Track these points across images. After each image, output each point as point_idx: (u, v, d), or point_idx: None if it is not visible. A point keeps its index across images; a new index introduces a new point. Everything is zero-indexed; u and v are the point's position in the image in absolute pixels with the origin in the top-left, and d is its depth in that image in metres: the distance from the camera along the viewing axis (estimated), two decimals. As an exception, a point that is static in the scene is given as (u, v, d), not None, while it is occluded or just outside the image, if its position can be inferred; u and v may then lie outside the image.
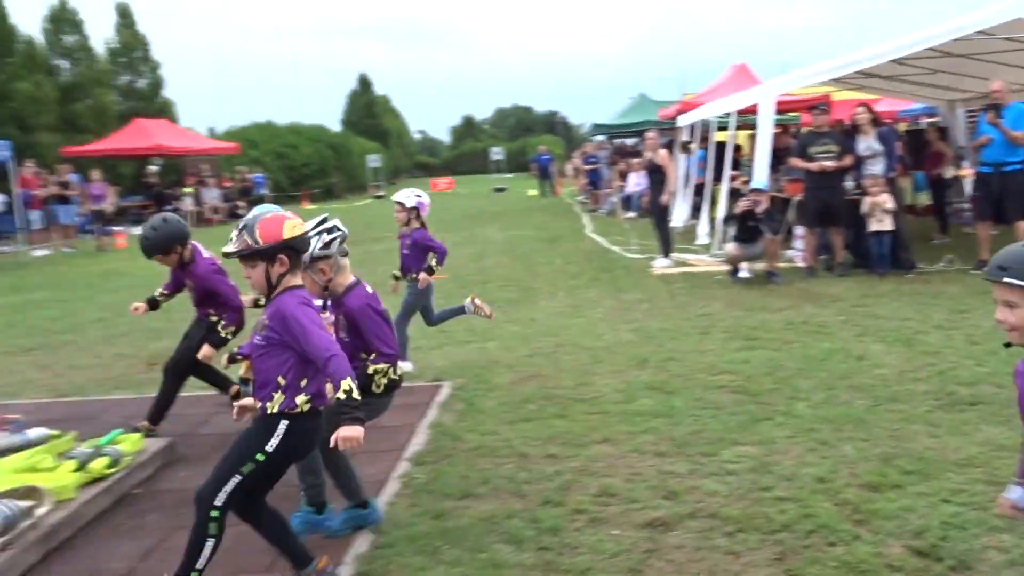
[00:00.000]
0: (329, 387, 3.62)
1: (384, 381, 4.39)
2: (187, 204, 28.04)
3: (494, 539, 4.09)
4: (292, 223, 3.57)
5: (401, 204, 7.46)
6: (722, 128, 16.00)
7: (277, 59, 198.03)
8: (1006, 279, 2.61)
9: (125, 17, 37.58)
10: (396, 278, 7.68)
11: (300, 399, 3.49)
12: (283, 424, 3.48)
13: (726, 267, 11.30)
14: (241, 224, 3.58)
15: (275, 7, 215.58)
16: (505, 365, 7.41)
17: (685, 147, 18.58)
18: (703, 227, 15.17)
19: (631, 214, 20.49)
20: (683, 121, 18.21)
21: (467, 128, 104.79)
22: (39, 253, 21.13)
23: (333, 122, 65.39)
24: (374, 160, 45.60)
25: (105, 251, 21.00)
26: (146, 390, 7.06)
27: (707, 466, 4.83)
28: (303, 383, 3.49)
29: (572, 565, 3.76)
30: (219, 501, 3.47)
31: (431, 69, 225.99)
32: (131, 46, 37.40)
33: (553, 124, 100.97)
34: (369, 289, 4.44)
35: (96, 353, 9.08)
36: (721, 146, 15.36)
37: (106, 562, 4.16)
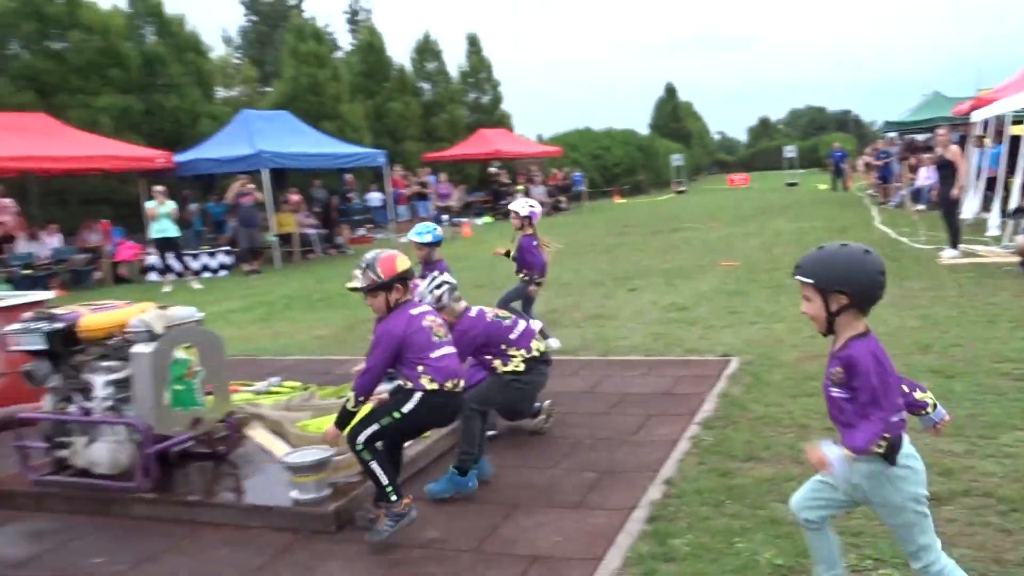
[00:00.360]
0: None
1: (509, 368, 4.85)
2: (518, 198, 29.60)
3: (773, 498, 4.10)
4: (402, 259, 4.12)
5: (516, 213, 7.64)
6: (1018, 122, 14.52)
7: (595, 73, 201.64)
8: (797, 276, 2.76)
9: (474, 45, 40.06)
10: (507, 254, 7.82)
11: (424, 380, 3.93)
12: (417, 395, 3.92)
13: (1016, 258, 10.28)
14: (364, 264, 4.07)
15: (592, 30, 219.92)
16: (791, 344, 7.25)
17: (980, 141, 16.95)
18: (994, 219, 13.84)
19: (920, 206, 18.94)
20: (977, 117, 16.62)
21: (763, 128, 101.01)
22: (404, 239, 23.21)
23: (641, 126, 65.70)
24: (677, 159, 45.48)
25: (452, 240, 22.65)
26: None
27: (984, 448, 4.52)
28: (419, 368, 3.96)
29: (845, 527, 3.72)
30: (360, 439, 3.93)
31: (730, 75, 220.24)
32: (477, 69, 39.80)
33: (845, 122, 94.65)
34: (472, 312, 4.96)
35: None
36: (1016, 139, 13.97)
37: None
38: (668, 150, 51.25)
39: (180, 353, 4.79)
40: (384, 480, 3.92)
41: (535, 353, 4.96)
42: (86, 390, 4.84)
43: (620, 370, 6.90)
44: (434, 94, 37.10)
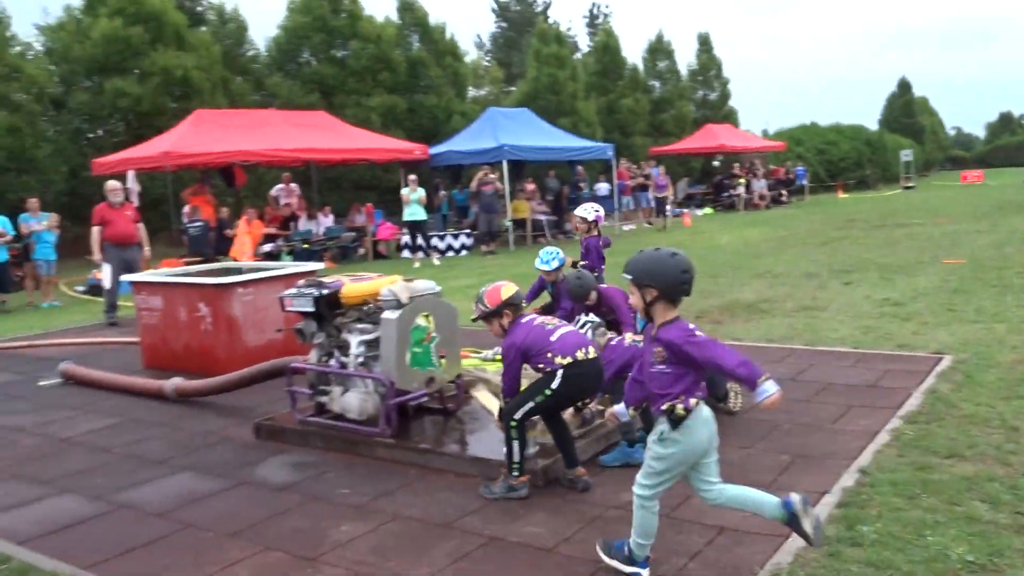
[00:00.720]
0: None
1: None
2: (740, 191, 28.59)
3: (972, 496, 3.79)
4: (507, 288, 4.29)
5: (583, 218, 7.57)
6: None
7: (825, 68, 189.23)
8: (623, 274, 3.20)
9: (704, 44, 39.01)
10: (574, 264, 7.40)
11: (557, 360, 4.07)
12: (559, 372, 4.05)
13: None
14: (477, 297, 4.33)
15: (824, 25, 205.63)
16: (1010, 346, 6.56)
17: None
18: None
19: None
20: None
21: (1003, 123, 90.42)
22: (627, 228, 23.23)
23: (871, 122, 61.16)
24: (906, 155, 41.80)
25: (668, 229, 22.33)
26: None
27: None
28: (548, 355, 4.08)
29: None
30: (517, 415, 4.09)
31: (969, 69, 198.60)
32: (707, 67, 38.74)
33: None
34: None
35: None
36: None
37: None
38: (898, 145, 47.37)
39: (420, 320, 5.11)
40: (516, 457, 4.15)
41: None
42: (344, 347, 5.30)
43: (826, 360, 6.57)
44: (664, 91, 36.59)
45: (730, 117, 38.40)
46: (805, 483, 4.09)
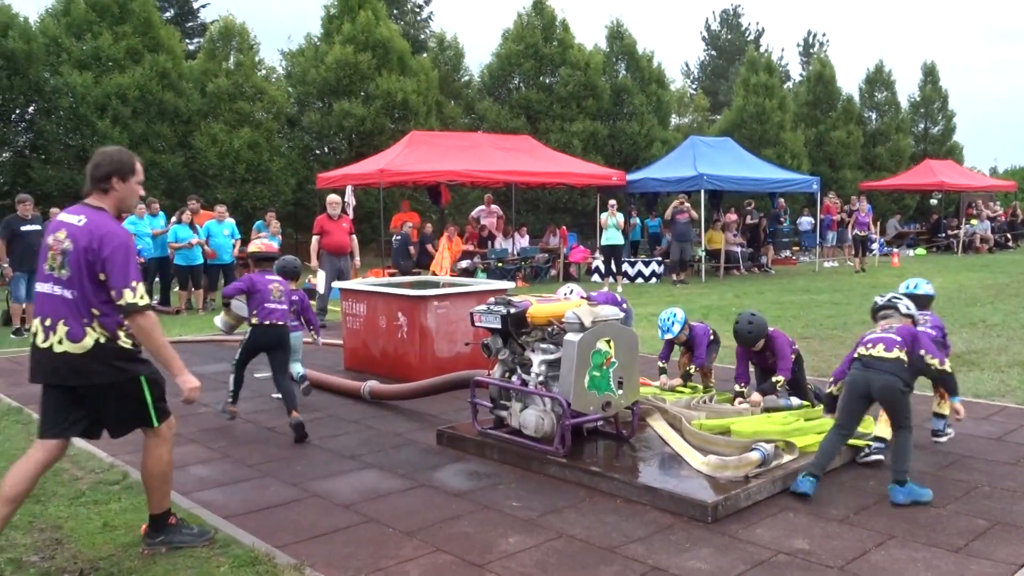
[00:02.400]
0: None
1: None
2: (962, 232, 26.33)
3: None
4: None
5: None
6: None
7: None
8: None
9: (929, 75, 36.41)
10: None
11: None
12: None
13: None
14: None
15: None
16: None
17: None
18: None
19: None
20: None
21: None
22: (828, 264, 22.07)
23: None
24: None
25: (868, 270, 20.96)
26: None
27: None
28: None
29: None
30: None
31: None
32: (931, 99, 36.11)
33: None
34: None
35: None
36: None
37: (826, 507, 4.42)
38: None
39: (601, 345, 5.17)
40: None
41: None
42: (526, 365, 5.45)
43: (1041, 423, 5.96)
44: (880, 123, 34.49)
45: (953, 152, 35.55)
46: (1003, 552, 3.75)
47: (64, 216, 3.81)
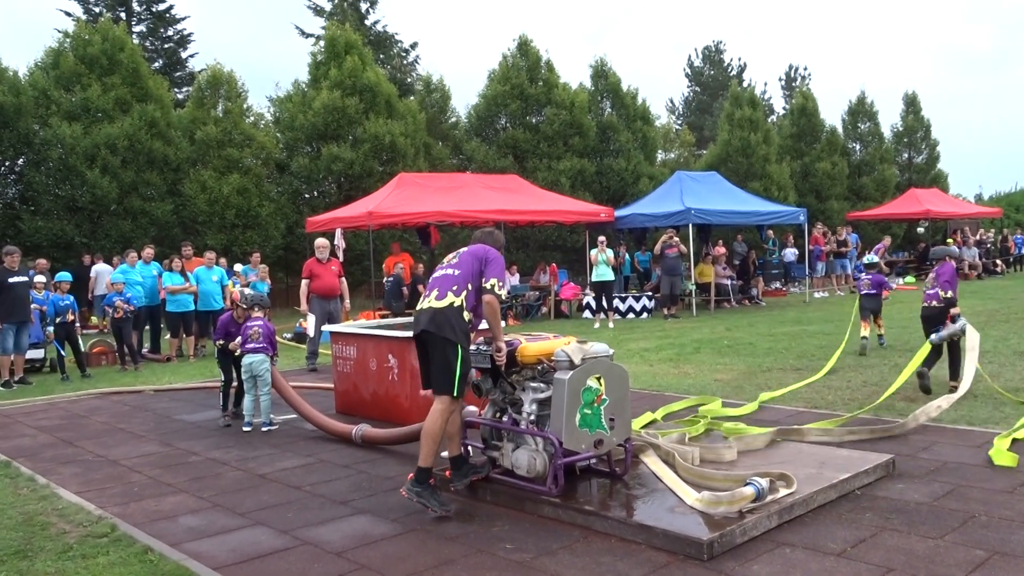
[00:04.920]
0: None
1: None
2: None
3: None
4: None
5: None
6: None
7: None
8: None
9: (911, 105, 36.96)
10: None
11: None
12: None
13: None
14: None
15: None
16: None
17: None
18: None
19: None
20: None
21: None
22: (818, 295, 22.16)
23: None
24: None
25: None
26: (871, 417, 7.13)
27: None
28: None
29: None
30: None
31: None
32: (913, 128, 36.60)
33: None
34: None
35: (847, 378, 9.25)
36: None
37: (824, 541, 4.34)
38: None
39: (592, 382, 5.15)
40: None
41: None
42: (517, 405, 5.42)
43: (1036, 449, 5.94)
44: (864, 154, 34.92)
45: (938, 181, 35.95)
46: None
47: None
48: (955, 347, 8.16)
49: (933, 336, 8.01)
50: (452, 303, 5.05)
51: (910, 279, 26.58)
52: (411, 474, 5.08)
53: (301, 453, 6.79)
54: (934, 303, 8.23)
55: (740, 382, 9.24)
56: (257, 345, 7.70)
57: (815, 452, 5.84)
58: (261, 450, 6.96)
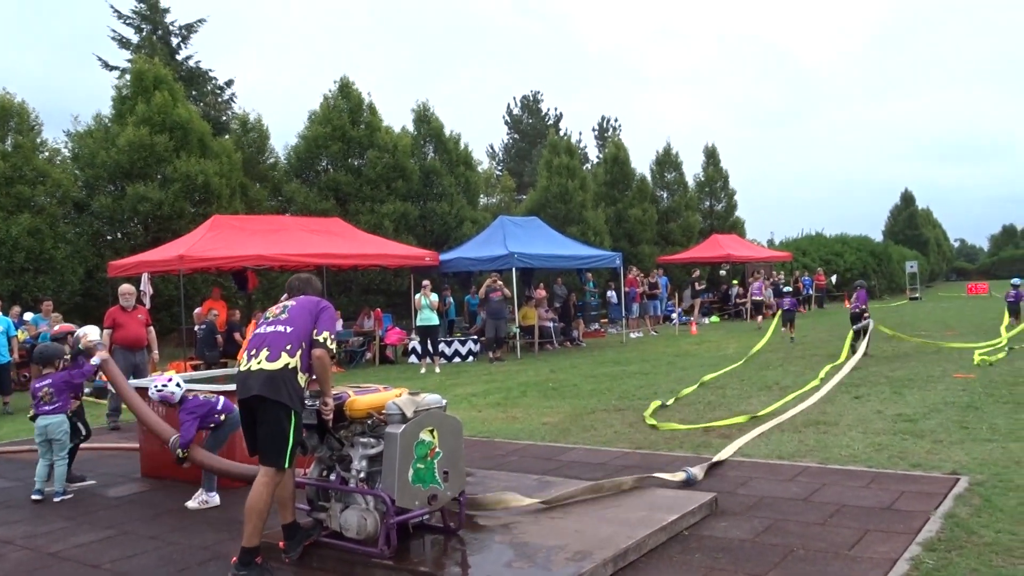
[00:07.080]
0: None
1: None
2: (747, 302, 28.51)
3: (1000, 637, 3.58)
4: None
5: None
6: None
7: (832, 179, 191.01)
8: None
9: (711, 157, 39.85)
10: None
11: None
12: None
13: None
14: None
15: (830, 141, 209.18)
16: (1030, 469, 6.36)
17: None
18: None
19: None
20: None
21: (1006, 236, 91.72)
22: (634, 335, 23.13)
23: (876, 233, 62.21)
24: (911, 266, 42.11)
25: (679, 337, 22.24)
26: (680, 452, 7.39)
27: None
28: None
29: None
30: None
31: (972, 183, 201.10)
32: (713, 179, 39.45)
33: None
34: None
35: (667, 416, 9.54)
36: None
37: None
38: (903, 257, 47.92)
39: (425, 435, 4.97)
40: None
41: None
42: (345, 461, 5.13)
43: (839, 479, 6.34)
44: (671, 201, 37.19)
45: (736, 227, 38.85)
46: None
47: None
48: (860, 334, 14.41)
49: (856, 326, 14.62)
50: (287, 364, 4.70)
51: (715, 319, 28.32)
52: (234, 557, 4.65)
53: (100, 525, 6.09)
54: (857, 310, 14.81)
55: (567, 424, 9.34)
56: (50, 407, 6.91)
57: (640, 493, 5.92)
58: (53, 523, 6.19)
